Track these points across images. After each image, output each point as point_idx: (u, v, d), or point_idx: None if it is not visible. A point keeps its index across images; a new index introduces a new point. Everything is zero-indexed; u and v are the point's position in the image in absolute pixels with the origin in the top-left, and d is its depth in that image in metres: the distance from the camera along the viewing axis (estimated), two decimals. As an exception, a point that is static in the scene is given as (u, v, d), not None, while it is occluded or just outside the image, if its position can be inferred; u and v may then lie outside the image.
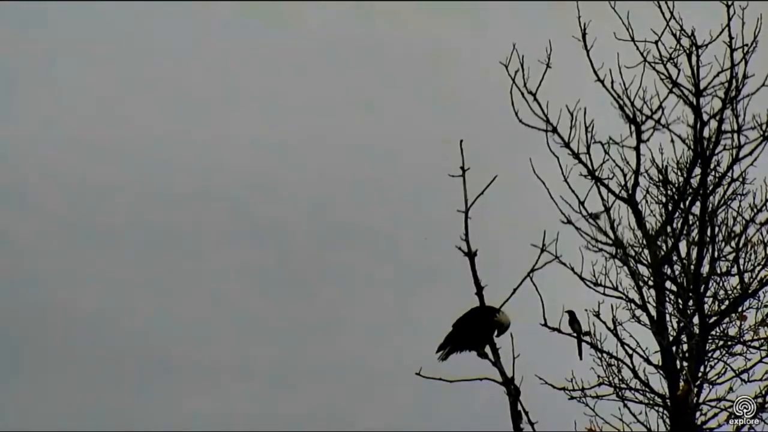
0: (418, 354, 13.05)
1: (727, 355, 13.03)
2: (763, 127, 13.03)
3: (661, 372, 12.95)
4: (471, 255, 12.32)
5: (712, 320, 12.97)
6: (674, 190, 13.26)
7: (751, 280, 12.93)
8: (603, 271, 13.22)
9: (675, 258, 13.16)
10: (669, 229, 13.23)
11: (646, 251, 13.22)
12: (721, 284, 13.04)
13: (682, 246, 13.18)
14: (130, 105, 25.14)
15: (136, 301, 23.66)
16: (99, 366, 22.76)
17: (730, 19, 12.82)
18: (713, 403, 12.95)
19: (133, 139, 24.99)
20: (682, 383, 12.85)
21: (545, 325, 12.95)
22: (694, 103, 13.07)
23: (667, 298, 13.13)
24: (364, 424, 19.98)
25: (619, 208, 13.34)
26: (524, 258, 12.38)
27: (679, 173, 13.26)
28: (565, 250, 12.83)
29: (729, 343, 13.01)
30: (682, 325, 13.01)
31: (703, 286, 12.99)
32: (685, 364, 12.92)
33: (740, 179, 13.09)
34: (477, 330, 12.60)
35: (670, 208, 13.28)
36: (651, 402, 13.03)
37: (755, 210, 13.03)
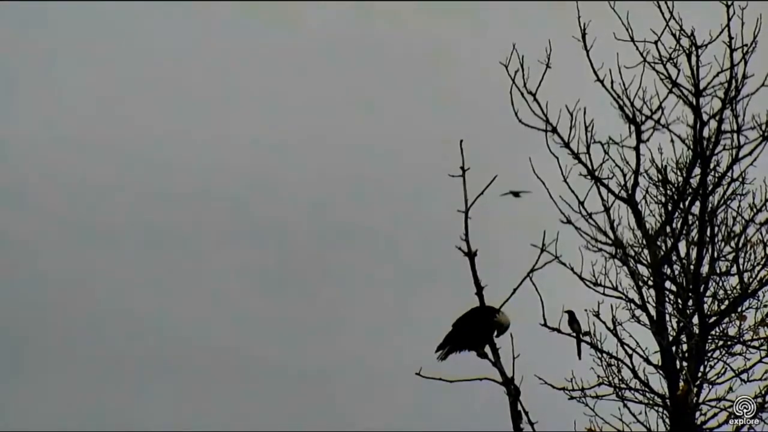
0: (418, 354, 13.06)
1: (726, 355, 13.02)
2: (763, 127, 13.03)
3: (661, 372, 12.95)
4: (471, 255, 12.32)
5: (711, 320, 12.97)
6: (674, 190, 13.26)
7: (751, 280, 12.92)
8: (603, 271, 13.23)
9: (675, 258, 13.16)
10: (668, 229, 13.23)
11: (645, 251, 13.22)
12: (720, 284, 13.04)
13: (682, 246, 13.18)
14: (130, 105, 25.18)
15: (136, 301, 23.67)
16: (99, 366, 22.77)
17: (729, 20, 12.82)
18: (713, 403, 12.95)
19: (133, 139, 25.02)
20: (681, 383, 12.84)
21: (545, 325, 12.95)
22: (694, 103, 13.07)
23: (667, 298, 13.13)
24: (364, 424, 19.99)
25: (619, 208, 13.35)
26: (524, 258, 12.39)
27: (679, 173, 13.26)
28: (565, 250, 12.84)
29: (729, 343, 13.01)
30: (681, 325, 13.01)
31: (702, 286, 12.98)
32: (684, 364, 12.92)
33: (740, 179, 13.08)
34: (477, 330, 12.60)
35: (669, 208, 13.28)
36: (651, 402, 13.03)
37: (755, 210, 13.03)
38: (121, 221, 24.57)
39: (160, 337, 23.16)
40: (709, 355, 12.98)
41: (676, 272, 13.13)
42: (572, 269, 13.11)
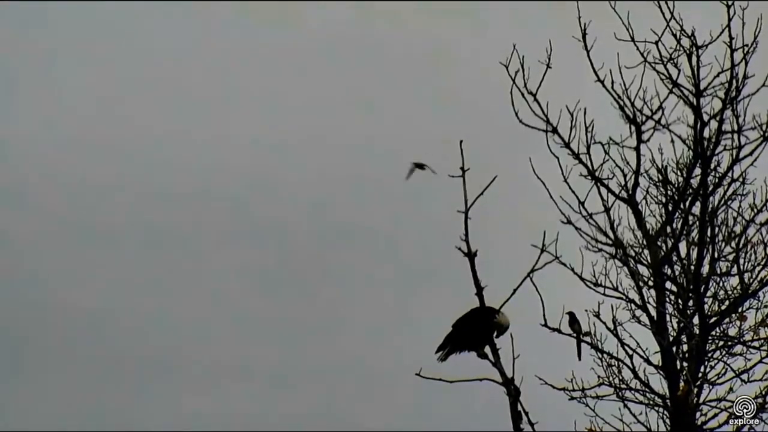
0: (418, 354, 13.06)
1: (727, 355, 13.03)
2: (764, 127, 13.03)
3: (661, 372, 12.95)
4: (471, 255, 12.31)
5: (712, 320, 12.97)
6: (674, 190, 13.26)
7: (751, 280, 12.93)
8: (603, 271, 13.24)
9: (675, 258, 13.16)
10: (669, 229, 13.23)
11: (646, 251, 13.22)
12: (721, 284, 13.04)
13: (682, 246, 13.18)
14: (130, 105, 25.15)
15: (136, 301, 23.67)
16: (99, 366, 22.76)
17: (730, 20, 12.82)
18: (713, 404, 12.96)
19: (133, 139, 25.01)
20: (682, 383, 12.85)
21: (545, 325, 12.95)
22: (695, 103, 13.07)
23: (667, 299, 13.13)
24: (364, 424, 19.99)
25: (619, 209, 13.35)
26: (524, 258, 12.38)
27: (679, 173, 13.26)
28: (565, 250, 12.84)
29: (729, 343, 13.01)
30: (682, 325, 13.01)
31: (703, 286, 12.99)
32: (685, 364, 12.92)
33: (740, 179, 13.09)
34: (477, 330, 12.59)
35: (670, 208, 13.28)
36: (651, 402, 13.03)
37: (755, 210, 13.03)
38: (121, 221, 24.56)
39: (160, 337, 23.15)
40: (709, 355, 12.98)
41: (677, 272, 13.13)
42: (572, 269, 13.11)
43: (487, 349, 12.60)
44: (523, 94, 13.30)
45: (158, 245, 24.38)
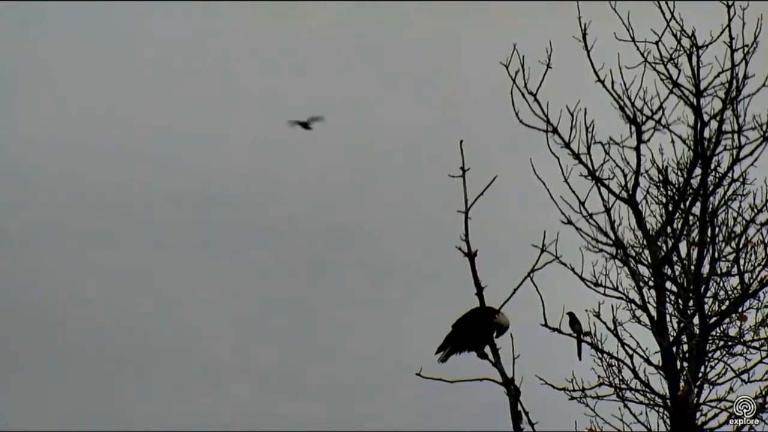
0: (418, 354, 13.05)
1: (727, 355, 13.02)
2: (764, 127, 13.03)
3: (662, 372, 12.95)
4: (471, 255, 12.30)
5: (712, 320, 12.96)
6: (674, 190, 13.26)
7: (752, 280, 12.92)
8: (603, 271, 13.23)
9: (675, 258, 13.16)
10: (669, 229, 13.23)
11: (646, 251, 13.22)
12: (721, 284, 13.04)
13: (683, 246, 13.17)
14: (130, 105, 25.17)
15: (136, 301, 23.68)
16: (99, 366, 22.78)
17: (730, 20, 12.82)
18: (713, 404, 12.95)
19: (133, 139, 25.02)
20: (682, 384, 12.84)
21: (545, 325, 12.94)
22: (695, 103, 13.06)
23: (668, 299, 13.12)
24: (364, 424, 19.99)
25: (620, 209, 13.35)
26: (524, 258, 12.37)
27: (680, 174, 13.26)
28: (565, 250, 12.84)
29: (729, 343, 13.00)
30: (682, 325, 13.00)
31: (703, 286, 12.98)
32: (685, 364, 12.91)
33: (741, 180, 13.08)
34: (477, 330, 12.58)
35: (670, 208, 13.27)
36: (651, 402, 13.03)
37: (755, 210, 13.03)
38: (121, 221, 24.59)
39: (160, 336, 23.16)
40: (709, 355, 12.98)
41: (677, 273, 13.13)
42: (573, 270, 13.11)
43: (487, 349, 12.59)
44: (523, 94, 13.30)
45: (158, 245, 24.41)
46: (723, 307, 12.99)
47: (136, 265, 24.12)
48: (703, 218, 13.01)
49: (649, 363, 13.00)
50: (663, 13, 13.04)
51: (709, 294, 13.01)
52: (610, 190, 13.32)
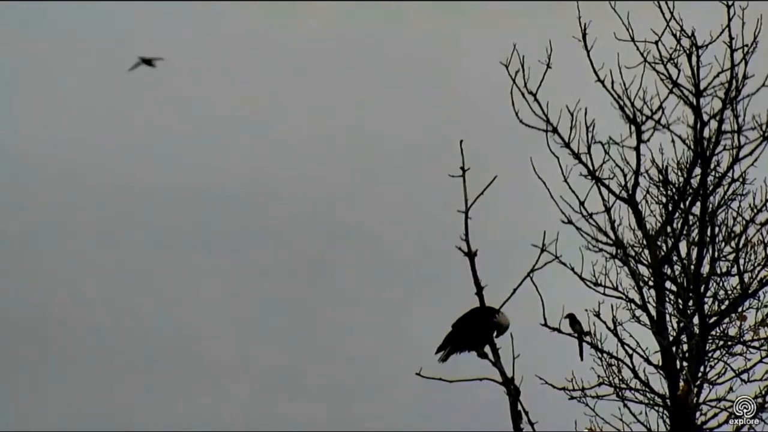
0: (418, 354, 13.06)
1: (727, 355, 13.02)
2: (763, 127, 13.03)
3: (661, 372, 12.95)
4: (471, 255, 12.31)
5: (712, 320, 12.96)
6: (674, 190, 13.26)
7: (751, 280, 12.92)
8: (603, 271, 13.23)
9: (675, 258, 13.16)
10: (669, 229, 13.23)
11: (646, 251, 13.22)
12: (721, 284, 13.04)
13: (682, 246, 13.17)
14: (131, 105, 25.17)
15: (136, 301, 23.69)
16: (99, 366, 22.78)
17: (730, 20, 12.82)
18: (713, 403, 12.95)
19: (133, 139, 25.04)
20: (682, 383, 12.84)
21: (545, 325, 12.95)
22: (695, 103, 13.06)
23: (667, 299, 13.13)
24: (364, 424, 19.99)
25: (620, 209, 13.35)
26: (524, 258, 12.38)
27: (679, 173, 13.26)
28: (565, 250, 12.83)
29: (729, 343, 13.00)
30: (682, 325, 13.01)
31: (703, 286, 12.98)
32: (685, 364, 12.91)
33: (740, 179, 13.08)
34: (477, 330, 12.59)
35: (670, 208, 13.27)
36: (651, 402, 13.03)
37: (755, 210, 13.02)
38: (121, 221, 24.60)
39: (160, 336, 23.17)
40: (709, 355, 12.98)
41: (677, 272, 13.13)
42: (573, 269, 13.11)
43: (487, 349, 12.60)
44: (523, 94, 13.29)
45: (158, 245, 24.42)
46: (723, 307, 12.99)
47: (136, 265, 24.13)
48: (703, 218, 13.01)
49: (649, 363, 13.00)
50: (663, 13, 13.04)
51: (708, 294, 13.01)
52: (610, 190, 13.33)
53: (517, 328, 12.47)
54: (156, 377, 22.68)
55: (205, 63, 25.61)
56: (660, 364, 12.96)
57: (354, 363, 22.03)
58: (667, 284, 13.15)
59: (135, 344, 23.09)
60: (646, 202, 13.36)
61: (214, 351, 23.02)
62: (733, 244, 13.02)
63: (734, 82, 12.92)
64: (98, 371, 22.66)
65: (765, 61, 12.98)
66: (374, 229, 23.68)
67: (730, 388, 12.97)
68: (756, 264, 12.94)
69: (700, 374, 12.88)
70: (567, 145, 13.32)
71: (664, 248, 13.19)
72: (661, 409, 12.98)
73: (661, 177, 13.32)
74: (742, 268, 12.92)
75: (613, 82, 13.24)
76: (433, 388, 12.26)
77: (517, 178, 13.19)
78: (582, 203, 13.30)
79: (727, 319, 13.01)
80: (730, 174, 13.07)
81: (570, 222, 13.30)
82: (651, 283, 13.13)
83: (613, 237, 13.27)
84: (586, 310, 13.11)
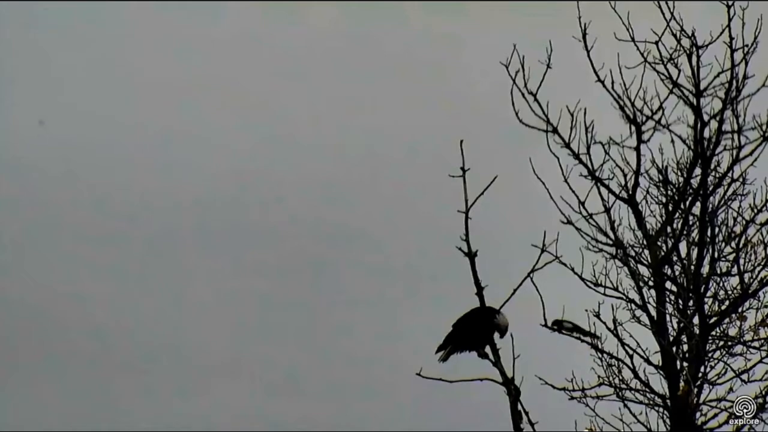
0: (418, 354, 13.06)
1: (727, 355, 13.02)
2: (764, 127, 13.03)
3: (662, 372, 12.94)
4: (471, 255, 12.31)
5: (712, 320, 12.96)
6: (674, 190, 13.26)
7: (752, 280, 12.92)
8: (603, 271, 13.22)
9: (675, 258, 13.16)
10: (669, 229, 13.22)
11: (646, 251, 13.22)
12: (721, 284, 13.04)
13: (683, 246, 13.17)
14: (131, 105, 25.16)
15: (136, 301, 23.67)
16: (97, 366, 22.77)
17: (730, 20, 12.81)
18: (713, 404, 12.94)
19: (133, 139, 25.02)
20: (682, 384, 12.84)
21: (545, 325, 12.95)
22: (695, 103, 13.06)
23: (668, 299, 13.12)
24: (364, 425, 19.99)
25: (620, 209, 13.34)
26: (524, 258, 12.38)
27: (680, 174, 13.25)
28: (565, 250, 12.84)
29: (729, 343, 13.00)
30: (682, 325, 13.00)
31: (703, 286, 12.98)
32: (685, 364, 12.91)
33: (740, 180, 13.08)
34: (477, 330, 12.59)
35: (670, 208, 13.27)
36: (651, 402, 13.03)
37: (755, 210, 13.02)
38: (122, 222, 24.57)
39: (159, 336, 23.15)
40: (709, 355, 12.97)
41: (677, 273, 13.13)
42: (573, 270, 13.10)
43: (488, 349, 12.60)
44: (523, 94, 13.29)
45: (158, 245, 24.40)
46: (723, 307, 12.99)
47: (136, 265, 24.12)
48: (703, 218, 13.01)
49: (649, 363, 13.00)
50: (663, 13, 13.04)
51: (709, 294, 13.01)
52: (610, 190, 13.33)
53: (517, 328, 12.48)
54: (155, 377, 22.67)
55: (206, 63, 25.61)
56: (660, 364, 12.96)
57: (354, 363, 22.02)
58: (667, 284, 13.15)
59: (134, 344, 23.08)
60: (646, 202, 13.36)
61: (213, 351, 23.02)
62: (733, 244, 13.01)
63: (734, 82, 12.92)
64: (97, 371, 22.65)
65: (765, 61, 12.98)
66: (374, 229, 23.67)
67: (731, 389, 12.97)
68: (756, 264, 12.93)
69: (700, 374, 12.88)
70: (567, 145, 13.31)
71: (664, 248, 13.19)
72: (661, 410, 12.98)
73: (661, 177, 13.32)
74: (742, 268, 12.92)
75: (613, 82, 13.25)
76: (433, 388, 12.27)
77: (517, 178, 13.19)
78: (582, 203, 13.30)
79: (727, 320, 13.00)
80: (730, 174, 13.07)
81: (570, 222, 13.30)
82: (651, 283, 13.13)
83: (613, 237, 13.27)
84: (586, 311, 13.11)
